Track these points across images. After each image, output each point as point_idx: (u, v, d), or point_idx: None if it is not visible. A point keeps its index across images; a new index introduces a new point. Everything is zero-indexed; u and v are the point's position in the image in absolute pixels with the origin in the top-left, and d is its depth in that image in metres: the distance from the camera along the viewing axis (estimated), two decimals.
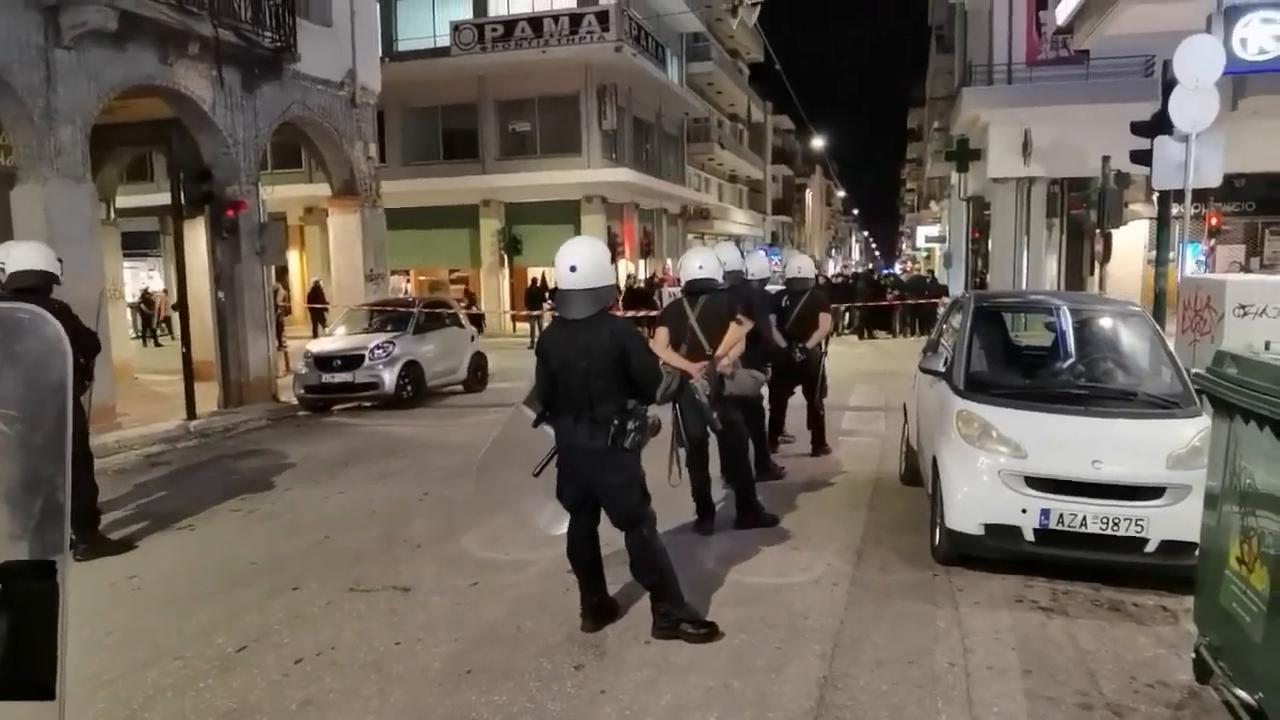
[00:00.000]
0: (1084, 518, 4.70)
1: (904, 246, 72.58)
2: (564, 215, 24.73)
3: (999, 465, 4.87)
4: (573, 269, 3.90)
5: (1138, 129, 8.44)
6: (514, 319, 24.27)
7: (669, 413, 5.20)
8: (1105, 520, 4.67)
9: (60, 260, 5.54)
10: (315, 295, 22.35)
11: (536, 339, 4.50)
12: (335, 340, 12.30)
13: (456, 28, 23.90)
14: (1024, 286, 21.08)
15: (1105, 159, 12.02)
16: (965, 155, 22.51)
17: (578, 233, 25.35)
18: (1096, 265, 17.25)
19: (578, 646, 4.01)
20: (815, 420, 8.07)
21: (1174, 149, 7.67)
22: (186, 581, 5.00)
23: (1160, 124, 8.05)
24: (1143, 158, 8.35)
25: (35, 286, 5.26)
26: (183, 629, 4.29)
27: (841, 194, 75.69)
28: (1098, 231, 12.11)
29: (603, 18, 22.79)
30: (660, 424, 4.29)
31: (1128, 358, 5.67)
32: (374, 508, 6.52)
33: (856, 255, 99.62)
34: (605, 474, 3.97)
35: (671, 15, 28.53)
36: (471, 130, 25.22)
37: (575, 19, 23.07)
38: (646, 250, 28.58)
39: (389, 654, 3.97)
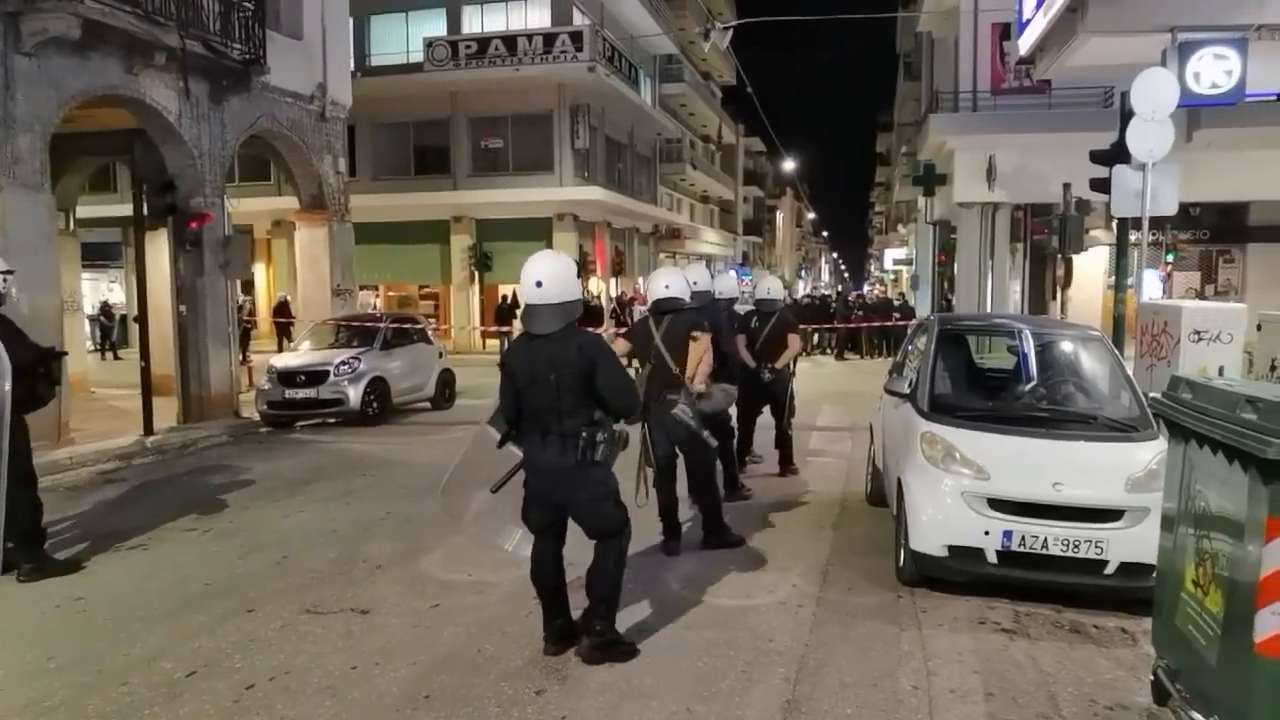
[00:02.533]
0: (1045, 539, 4.74)
1: (872, 268, 73.53)
2: (536, 233, 24.69)
3: (962, 487, 4.90)
4: (539, 284, 3.87)
5: (1097, 158, 8.63)
6: (484, 335, 24.15)
7: (637, 431, 5.17)
8: (1066, 542, 4.72)
9: (9, 273, 5.37)
10: (281, 310, 22.08)
11: (500, 362, 4.43)
12: (300, 355, 12.13)
13: (430, 44, 23.89)
14: (988, 309, 21.43)
15: (1066, 186, 12.28)
16: (931, 180, 22.90)
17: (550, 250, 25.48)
18: (1059, 290, 17.59)
19: (539, 671, 3.94)
20: (783, 440, 8.08)
21: (1132, 178, 7.85)
22: (136, 604, 4.85)
23: (1118, 153, 8.24)
24: (1102, 185, 8.53)
25: None
26: (130, 653, 4.15)
27: (812, 216, 76.52)
28: (1060, 256, 12.30)
29: (576, 38, 22.92)
30: (629, 437, 4.26)
31: (1088, 381, 5.75)
32: (335, 527, 6.40)
33: (826, 276, 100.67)
34: (578, 490, 3.92)
35: (645, 37, 28.78)
36: (443, 146, 25.16)
37: (549, 38, 23.17)
38: (618, 269, 28.61)
39: (344, 679, 3.87)
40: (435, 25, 24.98)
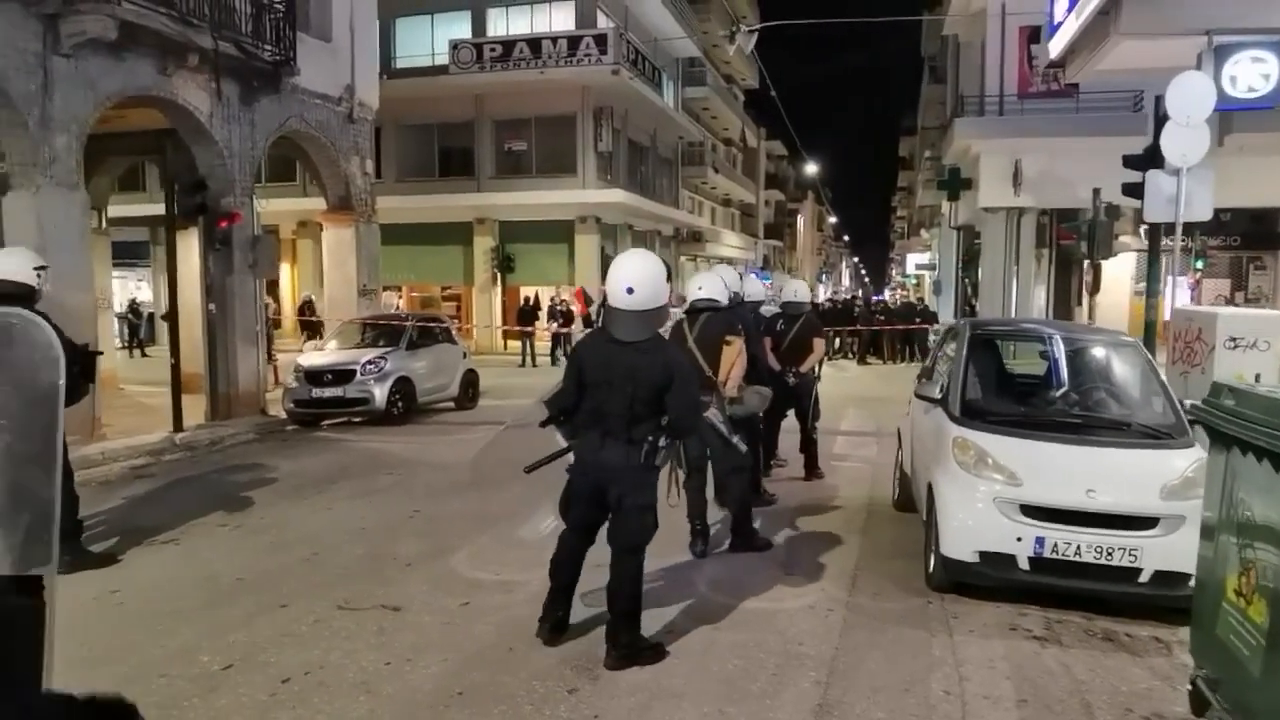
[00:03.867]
0: (1078, 547, 4.70)
1: (894, 273, 73.07)
2: (558, 235, 24.80)
3: (994, 493, 4.87)
4: (630, 290, 3.81)
5: (1130, 162, 8.54)
6: (505, 336, 24.25)
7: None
8: (1099, 550, 4.67)
9: (43, 269, 5.43)
10: (306, 309, 22.29)
11: (570, 350, 4.45)
12: (326, 355, 12.23)
13: (455, 46, 24.04)
14: (1013, 315, 21.25)
15: (1096, 191, 12.15)
16: (957, 185, 22.74)
17: (571, 253, 25.57)
18: (1085, 295, 17.39)
19: (570, 670, 3.95)
20: (808, 445, 8.06)
21: (1166, 183, 7.76)
22: (170, 597, 4.92)
23: (1152, 158, 8.14)
24: (1135, 190, 8.43)
25: (11, 295, 5.17)
26: (166, 646, 4.21)
27: (833, 220, 76.21)
28: (1088, 262, 12.17)
29: (601, 40, 22.98)
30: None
31: (1121, 388, 5.70)
32: (363, 525, 6.45)
33: (846, 281, 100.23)
34: (634, 493, 3.92)
35: (669, 40, 28.80)
36: (467, 148, 25.30)
37: (573, 41, 23.25)
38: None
39: (378, 674, 3.90)
40: (460, 28, 25.15)
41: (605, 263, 25.70)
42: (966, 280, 26.50)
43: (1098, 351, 5.95)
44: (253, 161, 12.07)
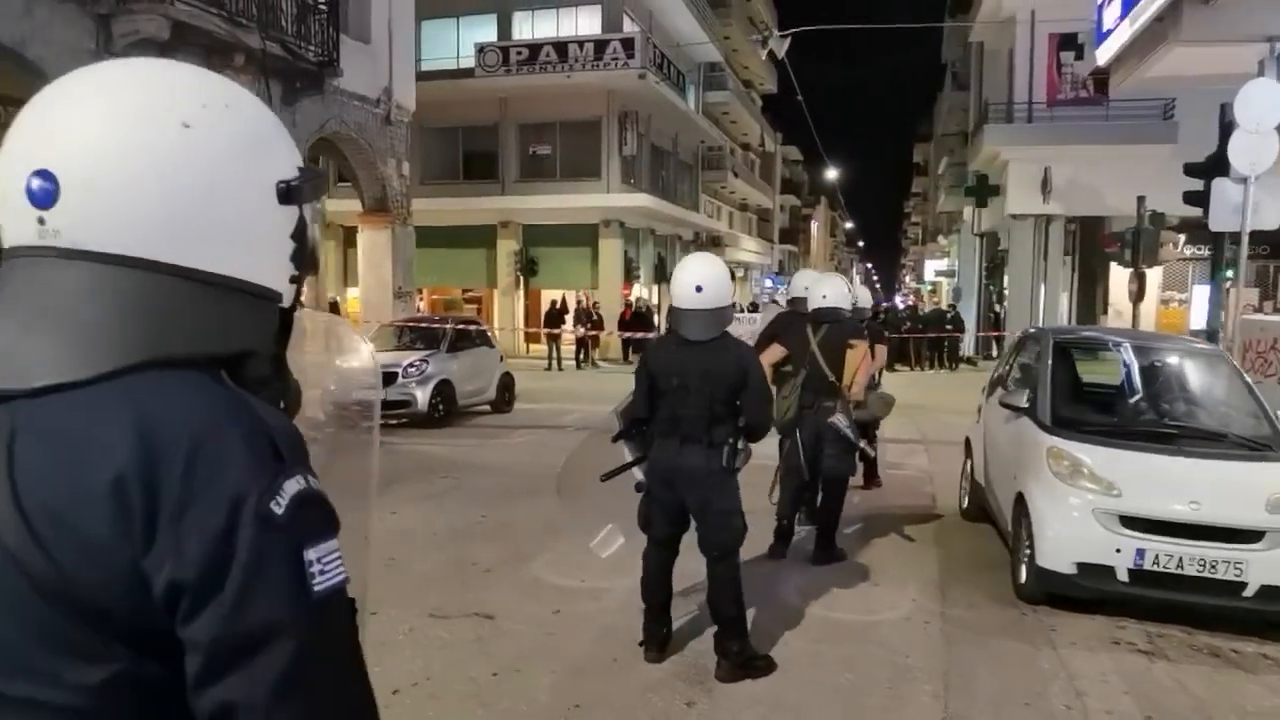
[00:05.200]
0: (1180, 559, 4.62)
1: (907, 279, 72.89)
2: (582, 238, 24.76)
3: (1092, 503, 4.79)
4: (699, 289, 3.80)
5: (1191, 170, 8.46)
6: (528, 339, 24.22)
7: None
8: (1202, 562, 4.59)
9: None
10: (331, 312, 22.30)
11: (640, 355, 4.38)
12: None
13: (481, 49, 24.04)
14: (1040, 322, 21.16)
15: (1140, 199, 12.08)
16: (984, 191, 22.68)
17: (595, 257, 25.52)
18: (1126, 303, 17.27)
19: (683, 682, 3.88)
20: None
21: (1233, 191, 7.67)
22: None
23: (1216, 166, 8.06)
24: (1196, 199, 8.35)
25: None
26: None
27: (849, 225, 76.10)
28: (1131, 271, 12.09)
29: (628, 45, 22.96)
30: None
31: (1211, 398, 5.62)
32: (432, 529, 6.39)
33: (858, 286, 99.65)
34: (718, 499, 3.85)
35: (691, 45, 28.79)
36: (492, 151, 25.29)
37: (600, 45, 23.23)
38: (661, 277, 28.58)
39: (488, 686, 3.84)
40: (485, 31, 25.14)
41: (628, 266, 25.70)
42: (990, 287, 26.40)
43: (1185, 361, 5.87)
44: None
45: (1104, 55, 10.95)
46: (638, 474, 4.00)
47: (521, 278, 25.28)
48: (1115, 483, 4.82)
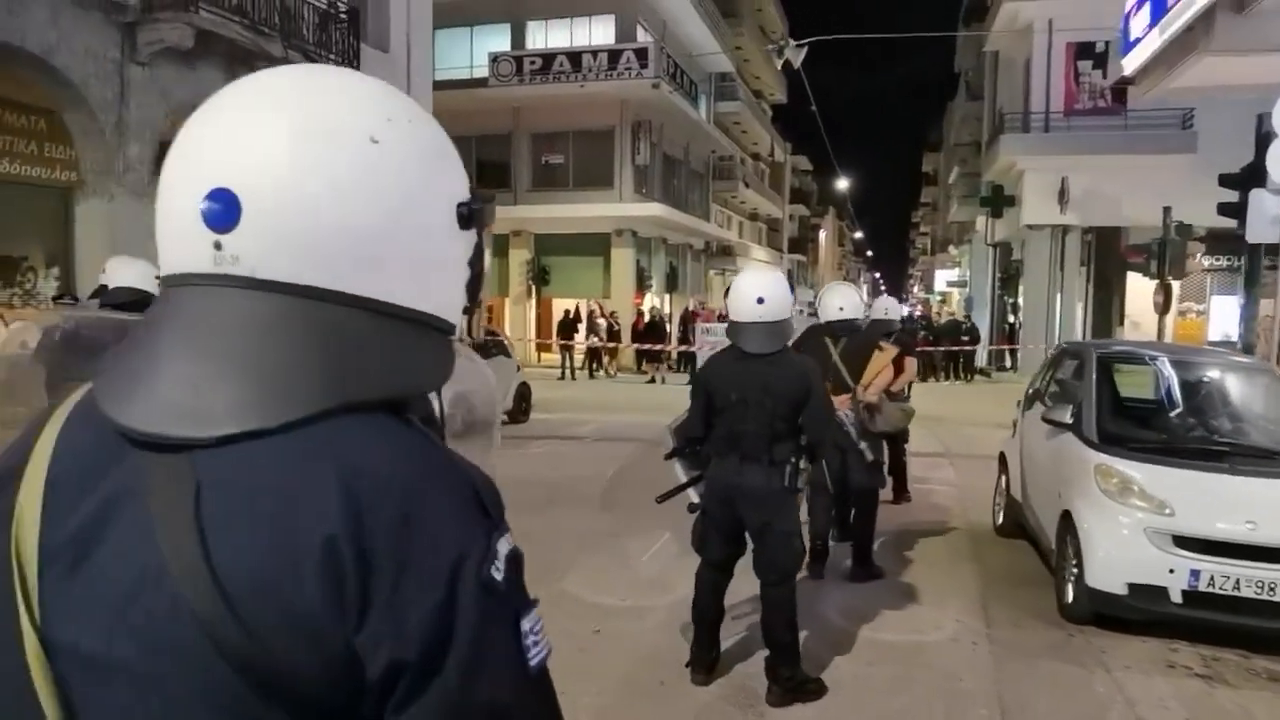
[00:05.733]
0: (1237, 580, 4.50)
1: (915, 288, 72.75)
2: (594, 248, 24.74)
3: (1143, 522, 4.67)
4: (760, 300, 3.70)
5: (1226, 181, 8.35)
6: (539, 348, 24.17)
7: None
8: (1260, 584, 4.47)
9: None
10: None
11: (696, 370, 4.29)
12: None
13: (495, 59, 24.08)
14: (1057, 334, 21.01)
15: (1166, 209, 11.97)
16: (1000, 201, 22.58)
17: (608, 266, 25.47)
18: (1141, 314, 17.16)
19: (734, 706, 3.77)
20: (898, 466, 7.86)
21: (1271, 202, 7.57)
22: None
23: (1252, 177, 7.95)
24: (1230, 210, 8.24)
25: (132, 303, 5.10)
26: None
27: (858, 235, 76.01)
28: (1157, 282, 11.97)
29: (642, 55, 22.97)
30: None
31: (1260, 414, 5.49)
32: None
33: (865, 296, 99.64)
34: (779, 519, 3.74)
35: (703, 55, 28.80)
36: (504, 161, 25.29)
37: (614, 55, 23.24)
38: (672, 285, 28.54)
39: None
40: (499, 40, 25.19)
41: (640, 276, 25.64)
42: (1005, 298, 26.25)
43: (1231, 376, 5.75)
44: None
45: (1131, 64, 10.86)
46: (692, 494, 3.90)
47: (534, 287, 25.25)
48: (1167, 501, 4.70)
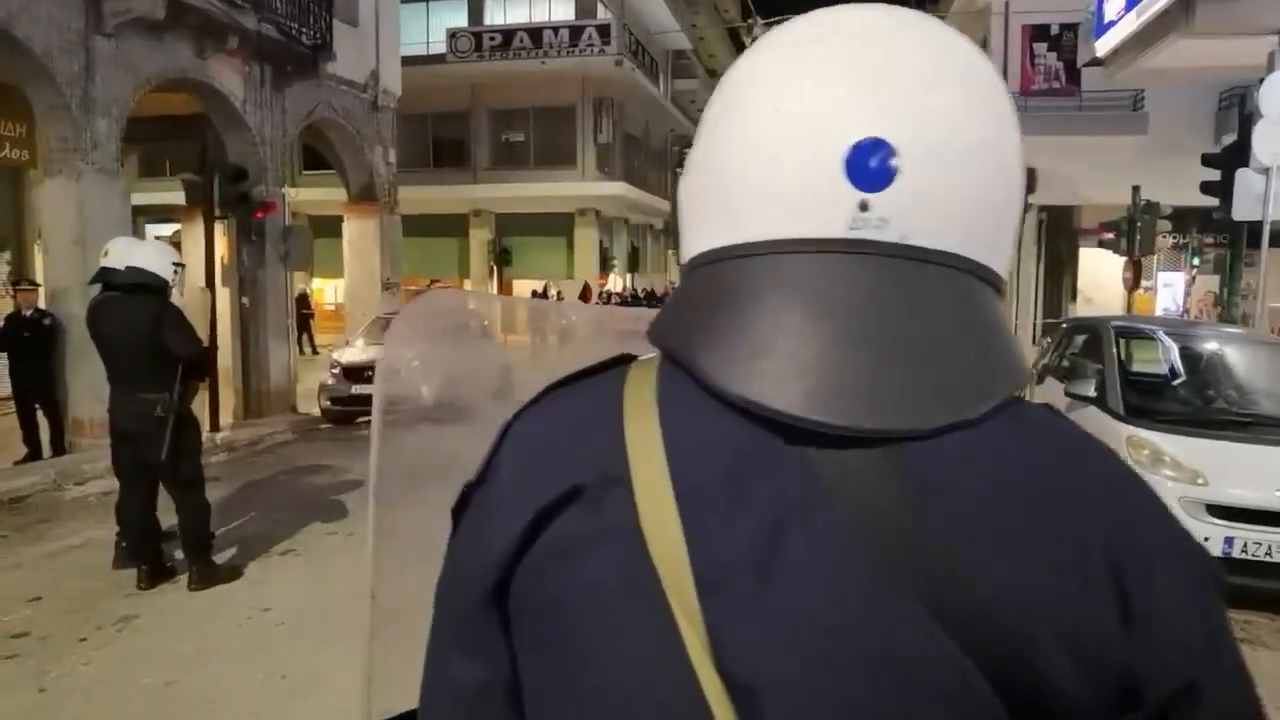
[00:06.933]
0: (1269, 547, 4.67)
1: None
2: (557, 228, 24.49)
3: (1180, 492, 4.81)
4: None
5: (1209, 161, 8.61)
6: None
7: None
8: None
9: (181, 266, 5.16)
10: (301, 305, 21.60)
11: None
12: (363, 351, 11.78)
13: (453, 35, 23.52)
14: (1014, 311, 21.52)
15: (1136, 188, 12.31)
16: None
17: (571, 245, 25.22)
18: (1094, 290, 17.70)
19: None
20: None
21: (1255, 181, 7.82)
22: (331, 617, 4.59)
23: (1234, 157, 8.20)
24: (1213, 189, 8.50)
25: (147, 286, 4.85)
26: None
27: None
28: (1125, 259, 12.33)
29: (604, 31, 22.68)
30: None
31: (1274, 385, 5.69)
32: None
33: None
34: None
35: (662, 33, 28.58)
36: (462, 139, 24.81)
37: (575, 31, 22.91)
38: (634, 265, 28.45)
39: None
40: (457, 16, 24.60)
41: (604, 256, 25.48)
42: None
43: (1247, 350, 5.94)
44: (284, 149, 11.59)
45: (1104, 47, 11.09)
46: None
47: (495, 268, 24.91)
48: (1200, 471, 4.84)
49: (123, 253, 5.07)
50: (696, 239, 0.68)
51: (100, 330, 4.85)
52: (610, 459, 0.63)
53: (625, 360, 0.72)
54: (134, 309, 4.76)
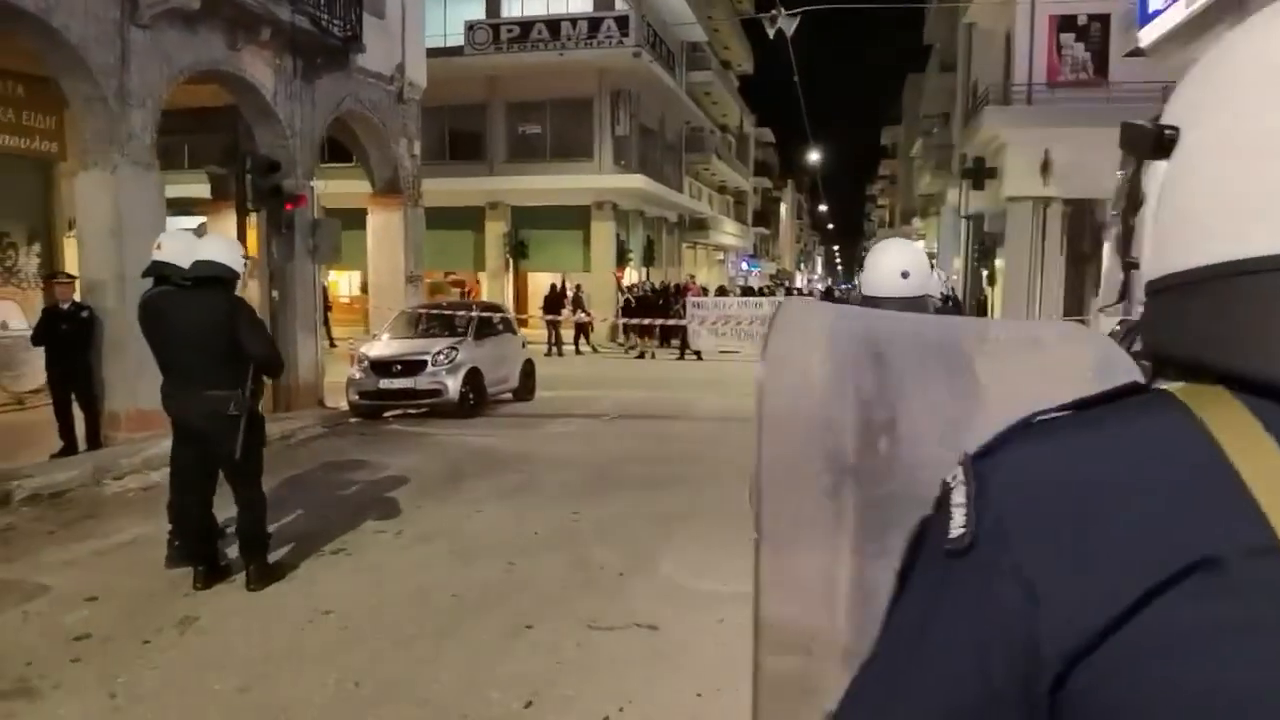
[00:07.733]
0: None
1: None
2: (573, 221, 24.36)
3: None
4: (905, 274, 3.53)
5: None
6: (520, 323, 23.73)
7: None
8: None
9: (250, 259, 5.09)
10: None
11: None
12: (391, 345, 11.71)
13: (471, 27, 23.38)
14: (1038, 308, 21.38)
15: None
16: (981, 173, 22.73)
17: (587, 239, 25.05)
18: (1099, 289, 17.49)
19: None
20: None
21: None
22: (392, 618, 4.52)
23: None
24: None
25: (218, 278, 4.78)
26: (441, 680, 3.82)
27: (823, 207, 76.33)
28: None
29: (622, 22, 22.51)
30: None
31: None
32: (534, 529, 6.08)
33: (819, 269, 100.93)
34: None
35: (677, 25, 28.37)
36: (479, 131, 24.67)
37: (594, 23, 22.74)
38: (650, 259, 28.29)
39: (700, 709, 3.59)
40: (474, 8, 24.45)
41: (621, 249, 25.33)
42: (982, 270, 26.60)
43: None
44: (313, 142, 11.50)
45: (1148, 37, 10.91)
46: None
47: (511, 260, 24.80)
48: None
49: (180, 247, 5.00)
50: (1221, 242, 0.57)
51: (161, 325, 4.76)
52: (1243, 522, 0.50)
53: (1138, 389, 0.60)
54: (201, 303, 4.68)
